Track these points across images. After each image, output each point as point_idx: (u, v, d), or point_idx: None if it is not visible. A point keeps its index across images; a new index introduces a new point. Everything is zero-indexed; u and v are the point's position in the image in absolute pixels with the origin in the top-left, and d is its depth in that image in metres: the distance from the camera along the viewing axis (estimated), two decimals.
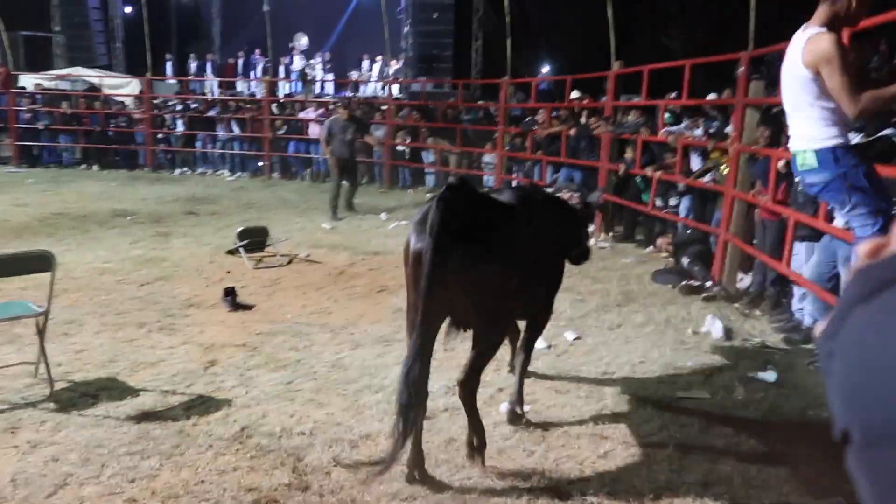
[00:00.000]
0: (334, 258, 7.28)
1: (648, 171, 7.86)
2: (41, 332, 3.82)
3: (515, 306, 3.24)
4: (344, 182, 9.82)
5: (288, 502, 2.86)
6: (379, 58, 19.27)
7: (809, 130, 3.36)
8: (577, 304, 5.74)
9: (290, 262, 7.04)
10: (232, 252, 7.15)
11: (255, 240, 7.19)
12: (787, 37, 3.55)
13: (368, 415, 3.67)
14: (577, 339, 4.90)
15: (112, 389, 3.88)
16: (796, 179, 4.47)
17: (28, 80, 16.28)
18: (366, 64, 19.44)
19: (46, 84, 16.09)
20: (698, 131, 7.85)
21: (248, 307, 5.51)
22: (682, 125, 8.06)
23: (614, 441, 3.43)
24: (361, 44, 20.89)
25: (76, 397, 3.77)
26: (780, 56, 3.65)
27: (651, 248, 8.02)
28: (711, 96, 9.04)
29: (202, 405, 3.73)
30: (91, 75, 17.11)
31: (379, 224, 9.39)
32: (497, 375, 4.22)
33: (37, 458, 3.14)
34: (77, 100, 15.25)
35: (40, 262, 3.80)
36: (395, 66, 19.49)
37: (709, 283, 6.19)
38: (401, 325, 5.11)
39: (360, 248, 7.76)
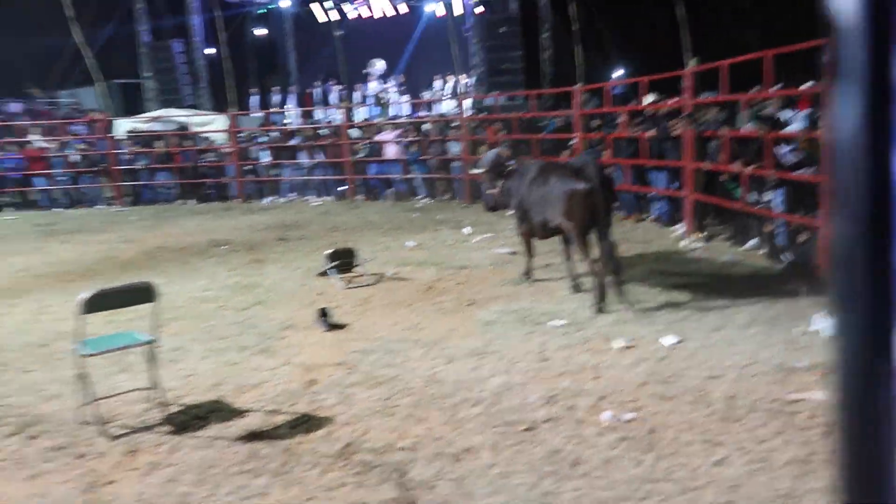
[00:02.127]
0: (421, 274, 7.34)
1: (737, 167, 7.55)
2: (152, 360, 4.01)
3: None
4: None
5: None
6: (450, 76, 19.48)
7: None
8: (674, 307, 5.55)
9: (378, 281, 7.15)
10: (322, 274, 7.33)
11: (343, 261, 7.35)
12: None
13: (468, 428, 3.65)
14: (678, 342, 4.73)
15: (220, 411, 4.02)
16: None
17: (124, 125, 17.34)
18: (437, 83, 19.68)
19: (141, 127, 17.09)
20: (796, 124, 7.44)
21: (341, 327, 5.61)
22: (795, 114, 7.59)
23: (728, 447, 3.27)
24: (432, 64, 21.20)
25: (188, 420, 3.93)
26: None
27: (749, 244, 7.68)
28: (806, 85, 8.59)
29: (306, 423, 3.81)
30: (180, 115, 18.03)
31: (463, 239, 9.42)
32: (597, 384, 4.12)
33: (156, 479, 3.28)
34: (169, 139, 16.10)
35: (144, 294, 3.99)
36: (465, 82, 19.64)
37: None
38: (492, 338, 5.11)
39: (447, 263, 7.79)
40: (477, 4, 19.70)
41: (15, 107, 20.25)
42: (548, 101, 16.28)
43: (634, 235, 8.98)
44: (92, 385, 3.86)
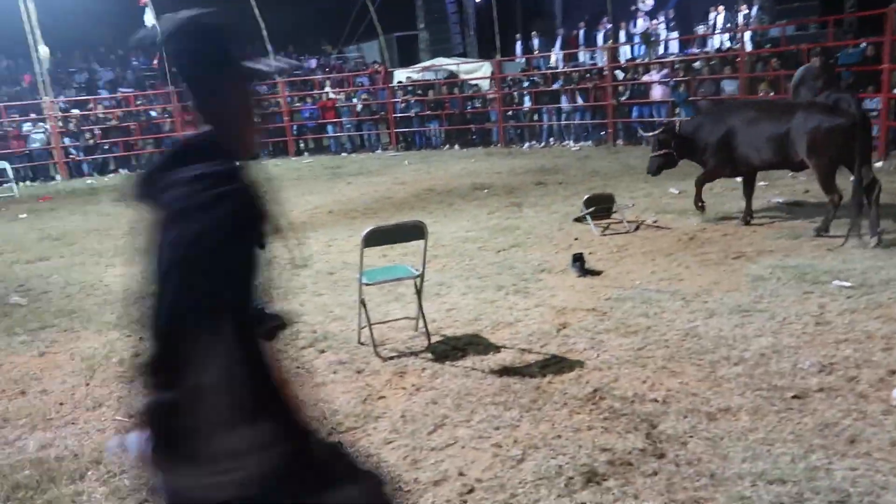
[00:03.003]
0: (683, 224, 6.96)
1: None
2: (419, 292, 4.36)
3: None
4: None
5: (642, 467, 2.82)
6: (721, 8, 17.68)
7: None
8: None
9: (637, 229, 6.93)
10: (579, 219, 7.30)
11: (601, 207, 7.24)
12: None
13: (727, 388, 3.43)
14: None
15: (477, 345, 4.27)
16: None
17: (401, 75, 18.70)
18: (712, 16, 18.02)
19: (415, 76, 18.29)
20: None
21: (596, 273, 5.56)
22: None
23: None
24: None
25: (448, 350, 4.23)
26: None
27: None
28: None
29: (556, 365, 3.88)
30: (450, 64, 18.92)
31: (733, 186, 8.67)
32: (887, 356, 3.60)
33: (420, 399, 3.61)
34: (440, 87, 17.04)
35: (416, 232, 4.33)
36: (745, 12, 17.70)
37: None
38: (761, 295, 4.69)
39: (713, 211, 7.27)
40: None
41: (312, 63, 22.91)
42: (851, 26, 14.09)
43: None
44: (369, 311, 4.33)
